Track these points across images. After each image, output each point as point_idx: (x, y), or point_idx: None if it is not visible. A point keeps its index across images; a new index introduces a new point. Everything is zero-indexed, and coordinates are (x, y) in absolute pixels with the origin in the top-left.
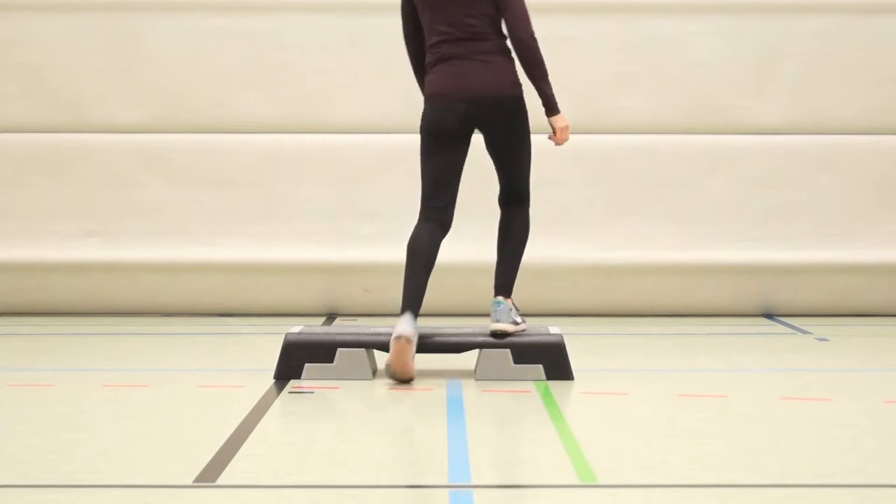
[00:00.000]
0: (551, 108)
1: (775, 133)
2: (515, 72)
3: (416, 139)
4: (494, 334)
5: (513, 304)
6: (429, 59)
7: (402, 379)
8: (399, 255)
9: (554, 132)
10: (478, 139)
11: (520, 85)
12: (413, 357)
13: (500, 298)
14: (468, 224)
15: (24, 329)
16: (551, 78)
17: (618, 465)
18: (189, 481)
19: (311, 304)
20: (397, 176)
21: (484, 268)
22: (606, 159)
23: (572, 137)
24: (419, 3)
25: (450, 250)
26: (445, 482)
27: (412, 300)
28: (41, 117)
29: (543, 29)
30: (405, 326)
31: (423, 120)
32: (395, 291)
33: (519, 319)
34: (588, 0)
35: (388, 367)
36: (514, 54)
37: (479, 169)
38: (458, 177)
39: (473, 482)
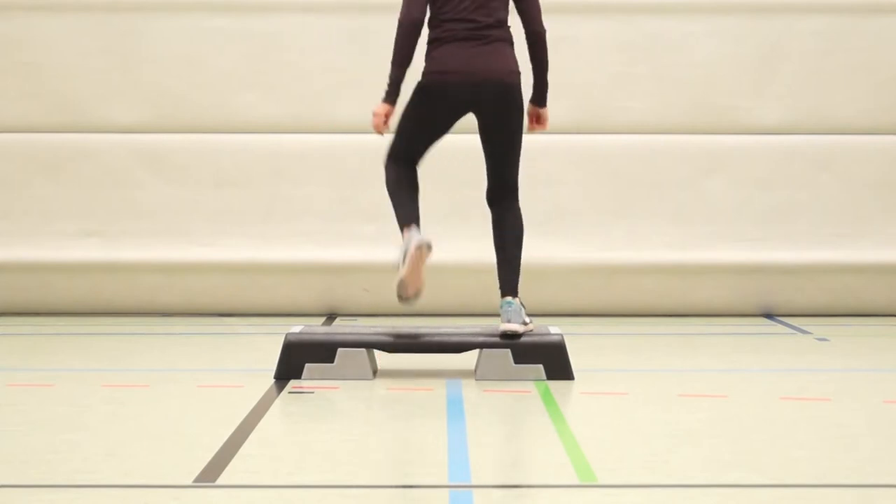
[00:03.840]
0: (546, 99)
1: (775, 133)
2: (517, 62)
3: None
4: (504, 335)
5: (521, 302)
6: (436, 33)
7: (414, 294)
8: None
9: (543, 121)
10: (469, 138)
11: (520, 75)
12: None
13: (510, 298)
14: (468, 224)
15: (24, 329)
16: (549, 77)
17: (618, 465)
18: (189, 481)
19: (311, 304)
20: None
21: (483, 268)
22: (606, 159)
23: (572, 137)
24: None
25: (450, 250)
26: (445, 482)
27: (414, 216)
28: (41, 117)
29: None
30: (424, 236)
31: (420, 88)
32: (394, 292)
33: (528, 319)
34: (588, 0)
35: (400, 282)
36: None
37: (477, 169)
38: (434, 145)
39: (473, 482)
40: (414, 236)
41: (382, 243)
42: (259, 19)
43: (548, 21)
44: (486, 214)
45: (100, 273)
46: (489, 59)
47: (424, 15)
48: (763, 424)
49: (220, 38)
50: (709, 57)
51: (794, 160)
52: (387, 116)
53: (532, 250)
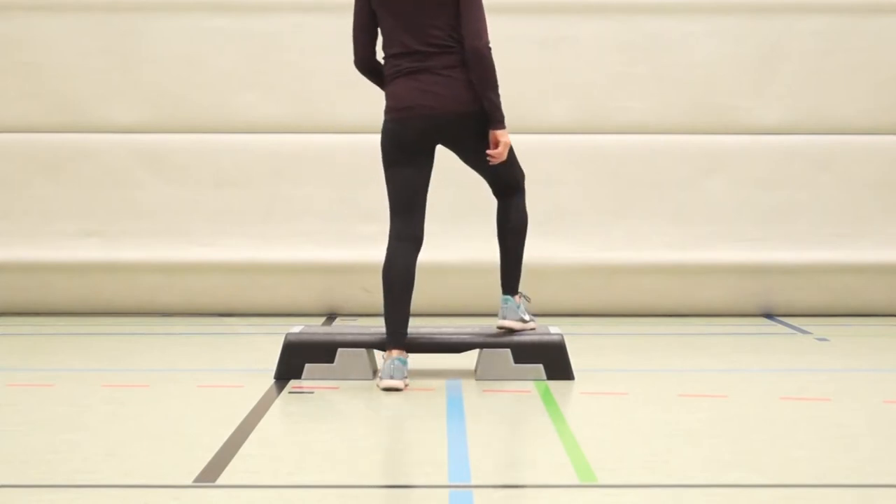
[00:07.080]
0: (498, 120)
1: (775, 133)
2: (468, 87)
3: None
4: (500, 329)
5: (522, 299)
6: (387, 69)
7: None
8: None
9: (495, 145)
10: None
11: (479, 99)
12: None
13: (507, 296)
14: (468, 224)
15: (24, 329)
16: (549, 77)
17: (618, 465)
18: (189, 481)
19: (311, 304)
20: None
21: (484, 267)
22: (606, 159)
23: (572, 137)
24: (382, 11)
25: (450, 250)
26: (445, 482)
27: (399, 333)
28: (41, 117)
29: (543, 29)
30: (391, 380)
31: (382, 134)
32: None
33: (527, 317)
34: (588, 0)
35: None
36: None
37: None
38: (425, 190)
39: (473, 482)
40: (385, 373)
41: (382, 243)
42: (259, 19)
43: (548, 21)
44: (487, 213)
45: (100, 273)
46: (436, 92)
47: (365, 59)
48: (763, 424)
49: (220, 38)
50: (709, 57)
51: (794, 160)
52: None
53: (532, 250)
